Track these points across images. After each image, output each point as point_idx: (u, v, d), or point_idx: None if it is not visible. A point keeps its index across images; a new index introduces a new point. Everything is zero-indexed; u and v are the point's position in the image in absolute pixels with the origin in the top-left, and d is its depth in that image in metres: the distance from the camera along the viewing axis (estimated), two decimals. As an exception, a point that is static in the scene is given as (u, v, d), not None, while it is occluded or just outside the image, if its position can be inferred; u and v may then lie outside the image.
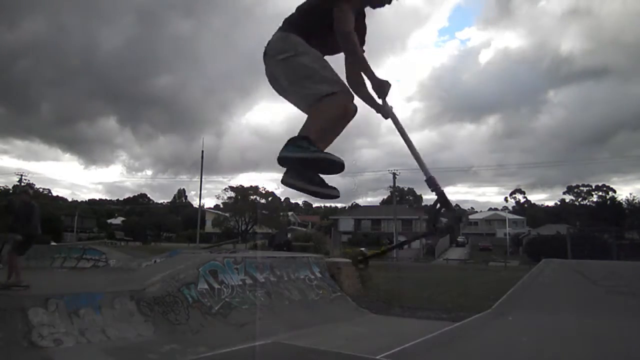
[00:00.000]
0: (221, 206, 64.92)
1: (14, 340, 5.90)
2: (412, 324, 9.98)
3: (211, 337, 7.66)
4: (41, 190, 76.53)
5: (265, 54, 2.52)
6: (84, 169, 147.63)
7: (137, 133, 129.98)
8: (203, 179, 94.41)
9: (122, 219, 79.61)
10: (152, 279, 8.64)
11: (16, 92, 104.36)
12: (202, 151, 45.68)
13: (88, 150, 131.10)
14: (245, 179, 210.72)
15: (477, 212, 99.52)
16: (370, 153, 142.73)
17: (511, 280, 13.60)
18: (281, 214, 64.02)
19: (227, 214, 62.04)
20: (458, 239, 68.01)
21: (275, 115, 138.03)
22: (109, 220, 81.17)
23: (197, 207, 58.66)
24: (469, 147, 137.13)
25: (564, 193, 79.05)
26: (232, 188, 61.27)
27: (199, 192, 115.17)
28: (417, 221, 60.32)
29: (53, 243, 37.96)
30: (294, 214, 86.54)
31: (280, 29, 2.52)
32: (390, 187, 55.19)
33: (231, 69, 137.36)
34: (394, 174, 51.63)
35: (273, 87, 2.59)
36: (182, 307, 8.17)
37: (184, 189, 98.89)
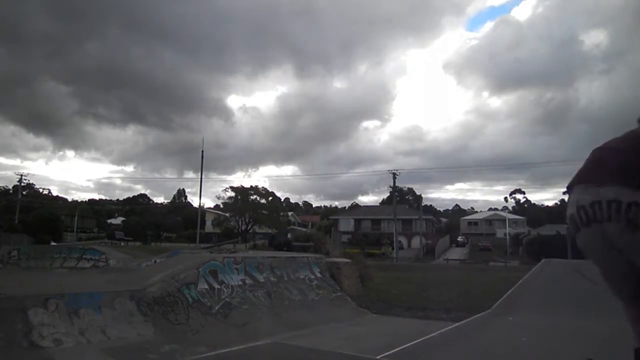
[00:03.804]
0: (221, 206, 64.93)
1: (14, 340, 5.90)
2: (412, 324, 9.98)
3: (211, 337, 7.67)
4: (41, 190, 76.66)
5: None
6: (81, 168, 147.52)
7: (135, 131, 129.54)
8: (203, 179, 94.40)
9: (122, 219, 79.56)
10: (152, 279, 8.65)
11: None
12: (202, 151, 45.58)
13: (86, 147, 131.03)
14: (245, 179, 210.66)
15: (477, 212, 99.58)
16: (372, 150, 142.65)
17: (511, 280, 13.61)
18: (281, 214, 64.01)
19: (227, 214, 62.00)
20: (458, 239, 68.14)
21: (274, 114, 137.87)
22: (109, 220, 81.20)
23: (197, 207, 58.76)
24: (471, 146, 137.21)
25: (564, 193, 78.91)
26: (232, 188, 61.28)
27: (199, 192, 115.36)
28: (417, 221, 60.30)
29: (53, 243, 38.07)
30: (294, 214, 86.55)
31: None
32: (390, 187, 55.13)
33: (230, 66, 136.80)
34: (394, 174, 51.68)
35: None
36: (182, 307, 8.18)
37: (183, 189, 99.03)
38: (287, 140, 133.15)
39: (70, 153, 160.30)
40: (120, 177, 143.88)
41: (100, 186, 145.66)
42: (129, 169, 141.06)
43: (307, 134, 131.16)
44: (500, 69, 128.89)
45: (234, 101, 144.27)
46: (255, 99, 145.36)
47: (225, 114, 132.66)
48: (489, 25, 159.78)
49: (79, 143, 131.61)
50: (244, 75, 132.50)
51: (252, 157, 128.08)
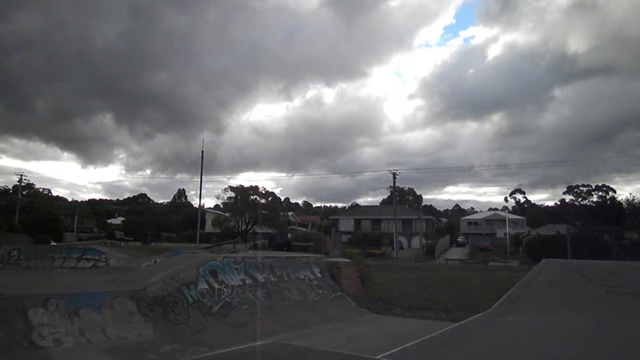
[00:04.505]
0: (221, 206, 64.88)
1: (14, 340, 5.90)
2: (412, 324, 9.99)
3: (211, 337, 7.66)
4: (41, 190, 76.56)
5: None
6: (81, 168, 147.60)
7: (134, 131, 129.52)
8: (203, 179, 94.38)
9: (122, 219, 79.52)
10: (152, 279, 8.64)
11: (10, 88, 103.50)
12: (202, 151, 45.60)
13: (86, 148, 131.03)
14: (245, 179, 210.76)
15: (477, 212, 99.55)
16: (370, 152, 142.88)
17: (511, 280, 13.60)
18: (281, 214, 63.99)
19: (227, 214, 61.97)
20: (458, 239, 68.14)
21: (275, 113, 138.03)
22: (109, 220, 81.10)
23: (197, 207, 58.73)
24: (471, 146, 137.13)
25: (564, 193, 79.03)
26: (232, 188, 61.22)
27: (199, 192, 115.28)
28: (417, 221, 60.26)
29: (53, 243, 38.01)
30: (294, 214, 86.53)
31: None
32: (390, 187, 55.06)
33: (229, 65, 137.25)
34: (394, 174, 51.60)
35: None
36: (182, 307, 8.18)
37: (183, 189, 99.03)
38: (289, 146, 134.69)
39: (73, 154, 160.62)
40: (127, 180, 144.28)
41: (108, 188, 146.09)
42: (137, 172, 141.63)
43: (308, 145, 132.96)
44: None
45: (240, 112, 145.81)
46: (258, 111, 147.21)
47: (225, 122, 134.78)
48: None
49: (81, 145, 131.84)
50: (243, 88, 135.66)
51: (253, 161, 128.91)
